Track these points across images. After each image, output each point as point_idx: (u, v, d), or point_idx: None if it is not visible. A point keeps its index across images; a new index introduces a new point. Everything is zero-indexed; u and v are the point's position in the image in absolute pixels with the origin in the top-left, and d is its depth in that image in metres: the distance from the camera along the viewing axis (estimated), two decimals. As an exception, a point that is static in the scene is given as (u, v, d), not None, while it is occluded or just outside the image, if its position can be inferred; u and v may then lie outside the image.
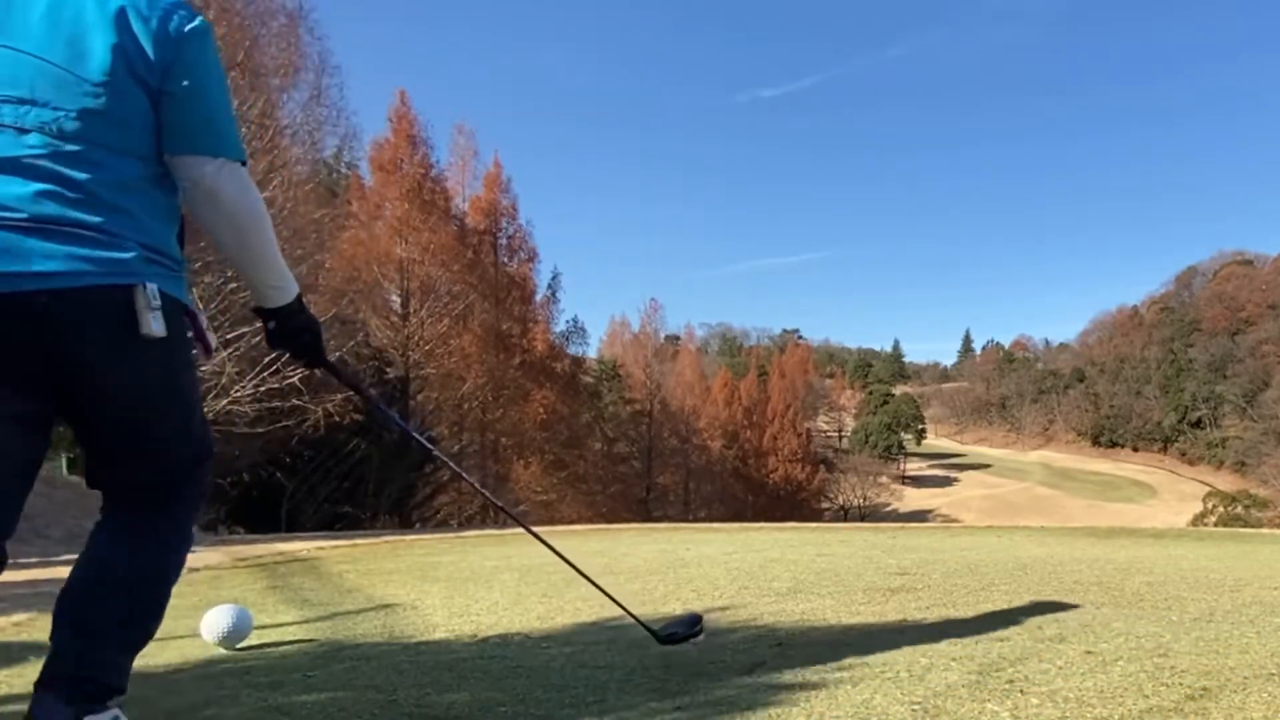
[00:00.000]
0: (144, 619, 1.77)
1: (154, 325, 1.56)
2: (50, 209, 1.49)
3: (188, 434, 1.78)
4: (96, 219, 1.53)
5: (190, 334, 1.73)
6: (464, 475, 2.75)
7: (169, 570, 1.82)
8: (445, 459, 2.86)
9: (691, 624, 2.33)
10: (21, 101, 1.50)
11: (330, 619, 3.48)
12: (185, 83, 1.58)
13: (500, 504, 2.75)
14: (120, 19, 1.55)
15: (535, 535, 2.64)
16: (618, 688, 2.18)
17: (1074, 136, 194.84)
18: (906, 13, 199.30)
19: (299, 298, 1.82)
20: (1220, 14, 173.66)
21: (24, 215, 1.47)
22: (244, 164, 1.69)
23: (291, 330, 1.85)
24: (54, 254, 1.48)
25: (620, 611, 2.55)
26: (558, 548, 2.55)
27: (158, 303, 1.57)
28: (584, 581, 2.54)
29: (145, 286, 1.56)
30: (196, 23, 1.60)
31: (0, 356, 1.49)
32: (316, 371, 2.04)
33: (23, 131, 1.50)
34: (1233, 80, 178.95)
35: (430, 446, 2.83)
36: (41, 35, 1.53)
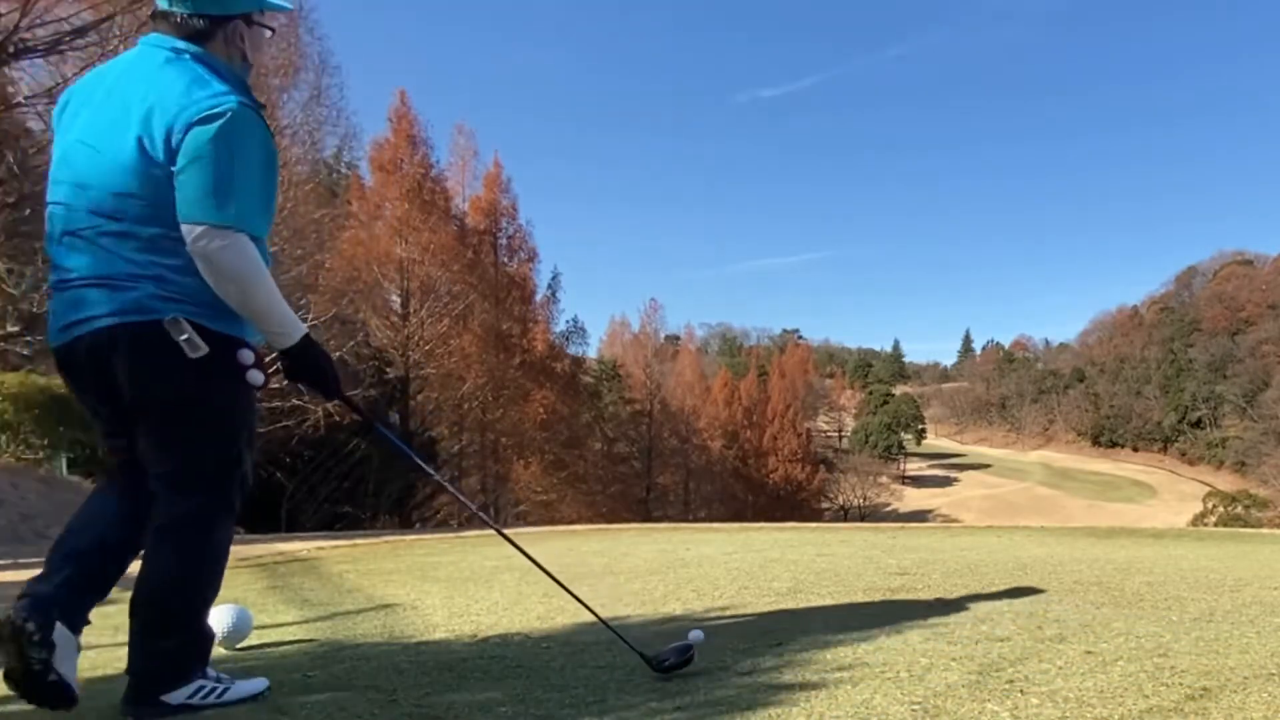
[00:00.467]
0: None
1: (185, 349, 1.94)
2: (95, 270, 1.94)
3: (200, 445, 2.05)
4: (124, 273, 1.93)
5: (230, 361, 2.03)
6: (460, 496, 2.76)
7: (199, 568, 2.08)
8: (451, 488, 2.89)
9: (683, 652, 2.29)
10: (79, 185, 1.96)
11: (330, 619, 3.48)
12: (184, 163, 1.89)
13: (486, 517, 2.74)
14: (146, 116, 1.91)
15: (520, 549, 2.62)
16: (618, 688, 2.18)
17: (1074, 136, 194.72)
18: (907, 13, 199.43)
19: (304, 339, 2.08)
20: (1220, 14, 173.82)
21: (80, 276, 1.96)
22: (244, 231, 1.94)
23: (300, 368, 2.10)
24: (97, 302, 1.94)
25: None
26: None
27: (184, 334, 1.94)
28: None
29: (167, 320, 1.93)
30: (203, 114, 1.90)
31: (86, 380, 2.03)
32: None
33: (79, 210, 1.95)
34: (1233, 80, 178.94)
35: (432, 473, 2.90)
36: (100, 131, 1.96)
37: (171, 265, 1.95)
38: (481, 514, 2.91)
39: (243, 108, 1.94)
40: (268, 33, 2.17)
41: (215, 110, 1.90)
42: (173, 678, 2.03)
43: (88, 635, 3.16)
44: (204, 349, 1.95)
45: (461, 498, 3.19)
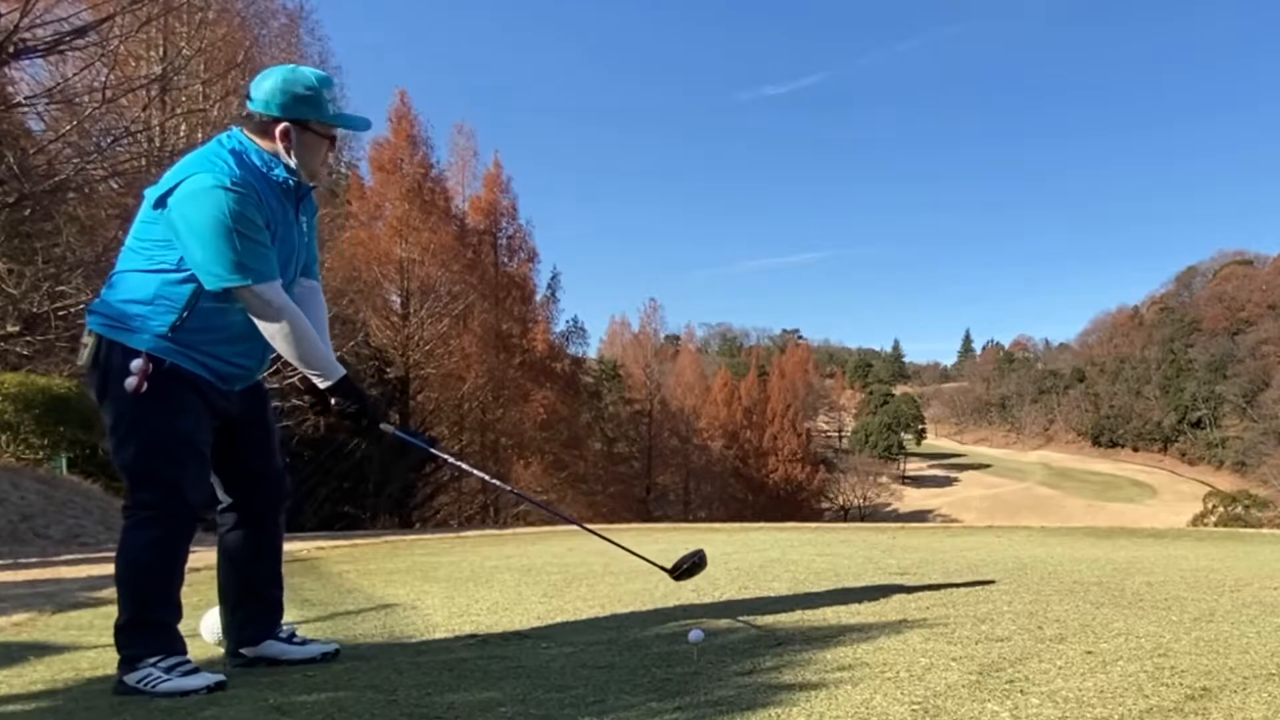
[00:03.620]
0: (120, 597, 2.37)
1: (80, 358, 2.37)
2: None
3: (111, 447, 2.39)
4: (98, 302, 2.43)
5: (124, 370, 2.28)
6: (504, 486, 2.81)
7: (119, 560, 2.35)
8: (508, 487, 2.96)
9: (695, 555, 2.92)
10: None
11: (330, 619, 3.48)
12: (178, 229, 2.30)
13: (535, 499, 2.87)
14: (154, 189, 2.36)
15: (578, 523, 2.66)
16: (618, 688, 2.18)
17: (1074, 136, 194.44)
18: (912, 11, 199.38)
19: (343, 380, 2.45)
20: (1220, 14, 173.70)
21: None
22: (245, 285, 2.29)
23: (337, 404, 2.47)
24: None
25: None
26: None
27: (86, 341, 2.35)
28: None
29: (86, 332, 2.36)
30: (180, 188, 2.30)
31: None
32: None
33: None
34: (1233, 80, 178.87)
35: (496, 481, 3.26)
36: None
37: (123, 292, 2.39)
38: (557, 510, 2.92)
39: (199, 177, 2.30)
40: (324, 141, 2.48)
41: (186, 181, 2.30)
42: (127, 658, 2.29)
43: (88, 635, 3.17)
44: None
45: (537, 502, 3.20)
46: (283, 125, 2.40)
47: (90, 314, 2.38)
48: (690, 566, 2.96)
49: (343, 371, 2.46)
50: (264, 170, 2.40)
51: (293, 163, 2.43)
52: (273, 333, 2.37)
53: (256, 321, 2.36)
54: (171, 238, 2.30)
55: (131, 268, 2.36)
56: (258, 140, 2.42)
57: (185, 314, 2.32)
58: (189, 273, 2.30)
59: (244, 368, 2.50)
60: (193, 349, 2.35)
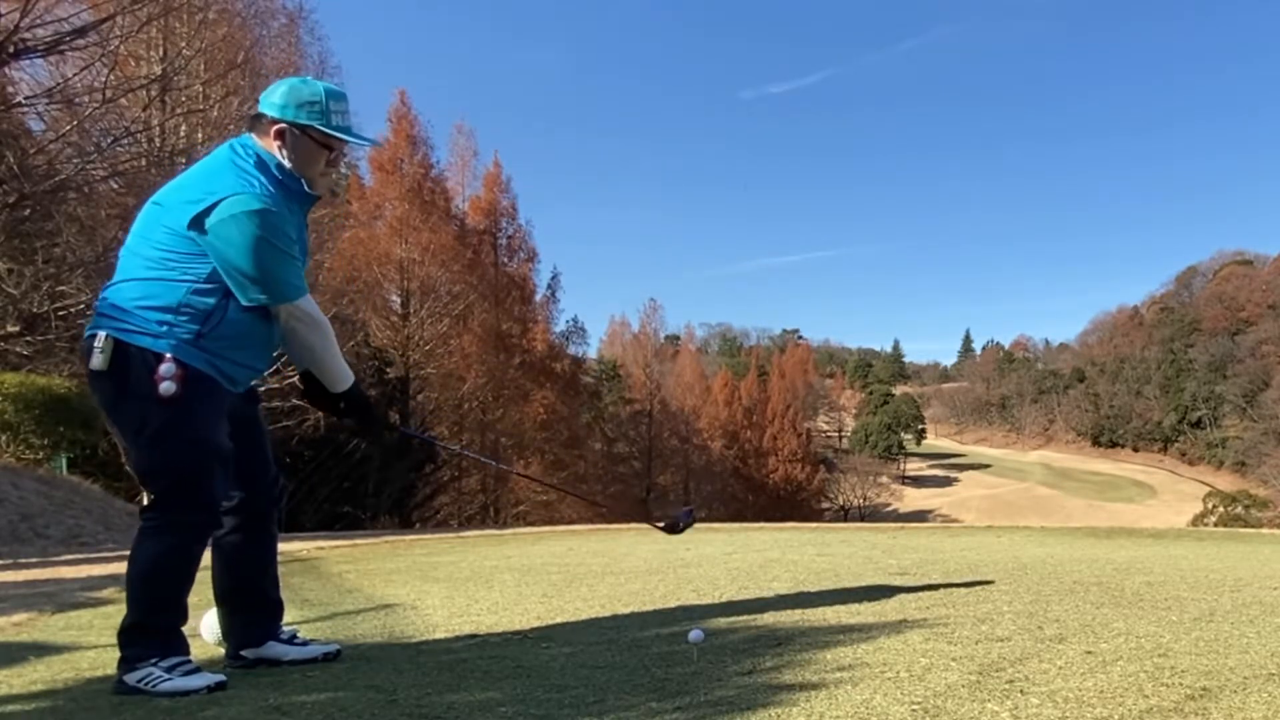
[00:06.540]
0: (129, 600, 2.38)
1: (94, 361, 2.31)
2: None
3: (134, 452, 2.37)
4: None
5: (149, 373, 2.27)
6: (507, 467, 2.81)
7: (134, 564, 2.36)
8: (497, 462, 2.93)
9: (688, 515, 3.26)
10: None
11: (330, 619, 3.48)
12: (219, 248, 2.32)
13: (541, 479, 2.89)
14: (185, 203, 2.37)
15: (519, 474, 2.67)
16: (618, 688, 2.18)
17: (1074, 136, 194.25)
18: (908, 12, 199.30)
19: (352, 388, 2.57)
20: (1221, 15, 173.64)
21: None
22: (278, 301, 2.37)
23: (344, 410, 2.60)
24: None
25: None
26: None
27: (100, 345, 2.30)
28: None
29: (98, 335, 2.31)
30: (220, 207, 2.30)
31: None
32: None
33: None
34: (1233, 81, 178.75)
35: (495, 462, 3.45)
36: None
37: (127, 295, 2.40)
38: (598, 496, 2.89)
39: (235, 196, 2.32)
40: (321, 150, 2.48)
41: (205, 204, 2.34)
42: (128, 657, 2.30)
43: (88, 635, 3.17)
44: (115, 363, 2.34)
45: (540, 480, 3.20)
46: (279, 126, 2.42)
47: (101, 317, 2.35)
48: (684, 524, 3.25)
49: (354, 378, 2.58)
50: (286, 180, 2.43)
51: (288, 164, 2.44)
52: (311, 344, 2.47)
53: (295, 333, 2.44)
54: (207, 253, 2.31)
55: (155, 276, 2.33)
56: (262, 143, 2.45)
57: (213, 322, 2.34)
58: (219, 285, 2.32)
59: (255, 370, 2.53)
60: (215, 355, 2.36)
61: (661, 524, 3.23)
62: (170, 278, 2.31)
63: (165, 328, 2.30)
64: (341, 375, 2.54)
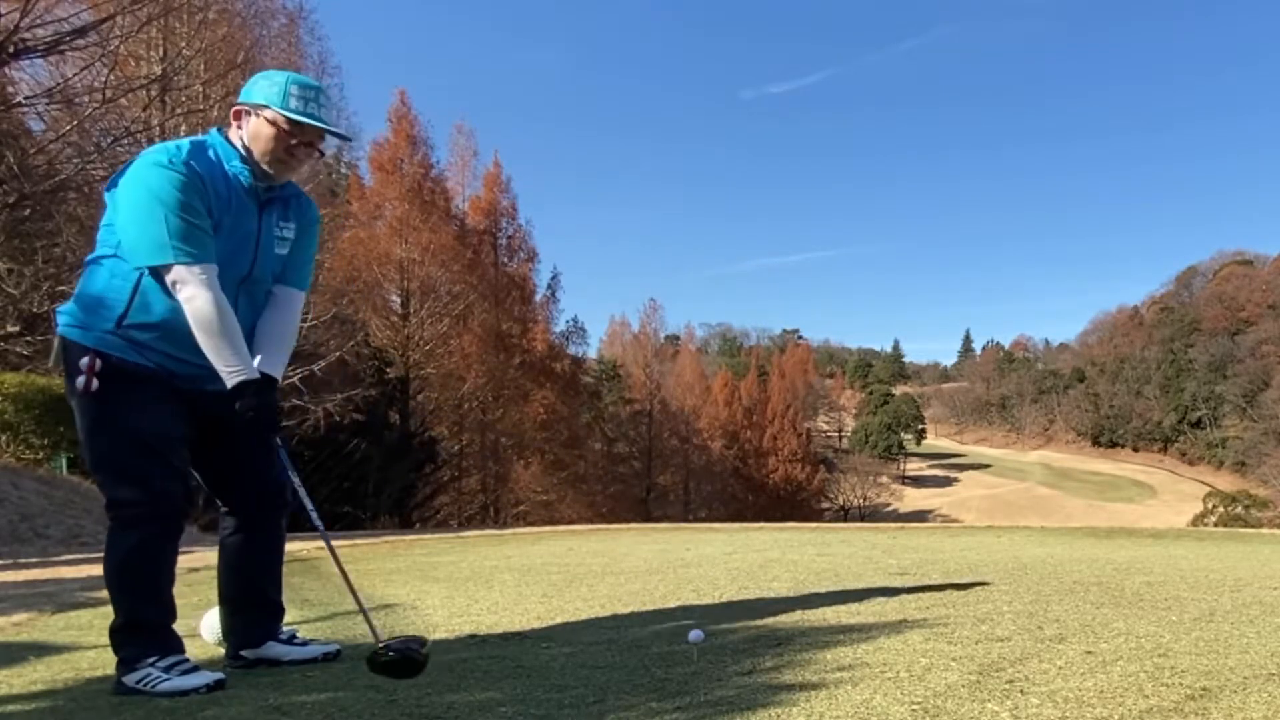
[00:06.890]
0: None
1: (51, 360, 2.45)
2: None
3: (85, 453, 2.37)
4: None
5: (77, 369, 2.26)
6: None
7: (105, 563, 2.35)
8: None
9: (418, 644, 2.28)
10: None
11: (330, 619, 3.48)
12: (120, 209, 2.30)
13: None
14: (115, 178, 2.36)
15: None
16: (618, 688, 2.18)
17: (1074, 136, 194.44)
18: (907, 13, 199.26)
19: (249, 383, 2.30)
20: (1221, 15, 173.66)
21: None
22: (166, 264, 2.22)
23: (242, 405, 2.32)
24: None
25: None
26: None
27: (56, 344, 2.33)
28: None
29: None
30: (127, 169, 2.29)
31: None
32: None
33: None
34: (1233, 81, 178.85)
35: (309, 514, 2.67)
36: None
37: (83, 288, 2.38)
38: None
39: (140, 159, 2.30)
40: (271, 129, 2.37)
41: (128, 167, 2.32)
42: (125, 658, 2.29)
43: (88, 635, 3.17)
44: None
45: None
46: (237, 107, 2.43)
47: (58, 312, 2.37)
48: (391, 659, 2.22)
49: (254, 375, 2.31)
50: (218, 162, 2.37)
51: (237, 144, 2.40)
52: (189, 317, 2.24)
53: (185, 311, 2.24)
54: (115, 220, 2.29)
55: (90, 258, 2.35)
56: (230, 133, 2.44)
57: (133, 308, 2.28)
58: (137, 269, 2.26)
59: (197, 366, 2.34)
60: (144, 346, 2.30)
61: (392, 653, 2.22)
62: (97, 255, 2.33)
63: (90, 317, 2.29)
64: (234, 364, 2.28)
